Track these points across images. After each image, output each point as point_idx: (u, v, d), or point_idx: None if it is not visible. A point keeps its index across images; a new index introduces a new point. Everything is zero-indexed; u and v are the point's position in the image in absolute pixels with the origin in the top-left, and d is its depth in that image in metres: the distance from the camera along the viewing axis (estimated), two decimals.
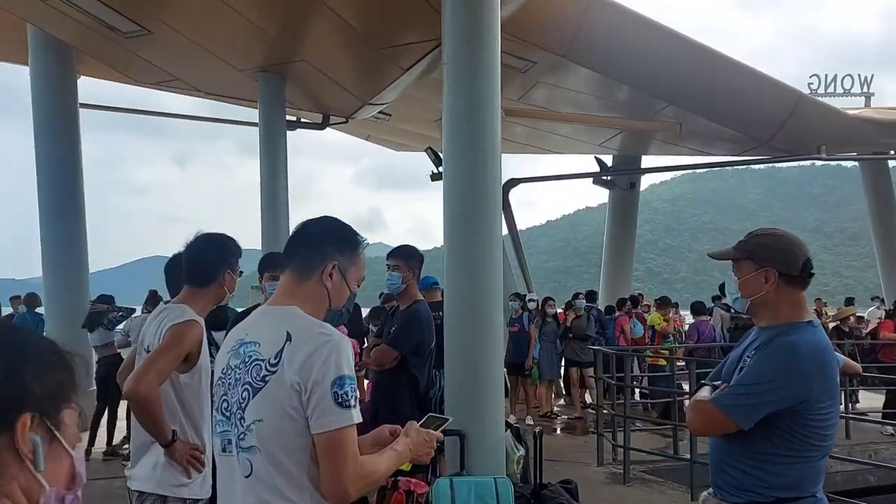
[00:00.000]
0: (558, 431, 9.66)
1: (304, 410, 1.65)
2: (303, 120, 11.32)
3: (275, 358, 1.68)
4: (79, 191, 9.59)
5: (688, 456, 7.35)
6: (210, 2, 7.12)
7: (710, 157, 12.99)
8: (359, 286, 1.95)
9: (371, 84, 9.22)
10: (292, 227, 9.24)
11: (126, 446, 7.47)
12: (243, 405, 1.71)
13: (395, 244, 4.59)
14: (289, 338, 1.69)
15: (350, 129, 13.04)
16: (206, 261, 2.82)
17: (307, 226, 1.91)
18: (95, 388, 7.93)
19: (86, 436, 7.53)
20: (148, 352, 2.74)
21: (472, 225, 4.78)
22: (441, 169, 13.04)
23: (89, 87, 10.59)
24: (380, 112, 11.21)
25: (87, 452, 7.39)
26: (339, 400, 1.63)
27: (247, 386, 1.71)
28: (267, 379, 1.68)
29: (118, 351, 7.62)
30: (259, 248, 8.74)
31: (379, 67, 8.58)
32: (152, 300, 7.60)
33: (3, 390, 0.86)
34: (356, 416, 1.66)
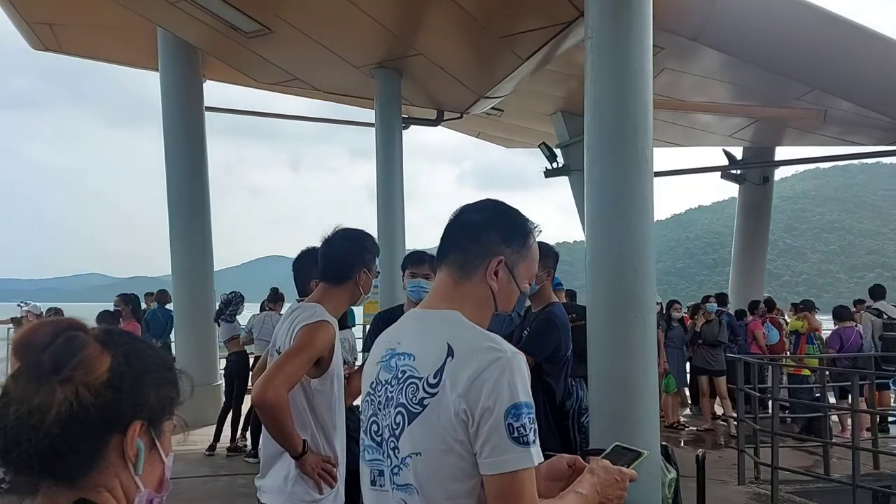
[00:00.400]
0: (682, 444, 9.01)
1: (472, 445, 1.32)
2: (415, 117, 11.21)
3: (434, 377, 1.36)
4: (205, 192, 9.91)
5: (838, 475, 6.64)
6: None
7: (853, 146, 11.79)
8: (531, 285, 1.60)
9: (487, 76, 8.94)
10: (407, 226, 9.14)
11: (246, 443, 7.58)
12: (397, 432, 1.40)
13: None
14: (450, 352, 1.36)
15: (461, 125, 12.81)
16: (341, 258, 2.61)
17: (466, 212, 1.56)
18: (223, 383, 8.14)
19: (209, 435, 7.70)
20: (279, 353, 2.56)
21: (623, 224, 4.27)
22: (555, 165, 12.70)
23: (212, 92, 10.94)
24: (493, 107, 10.92)
25: (212, 448, 7.57)
26: (516, 434, 1.29)
27: (400, 409, 1.40)
28: (425, 402, 1.36)
29: (244, 347, 7.77)
30: None
31: (496, 58, 8.27)
32: (273, 297, 7.71)
33: (127, 395, 0.94)
34: (537, 454, 1.32)
